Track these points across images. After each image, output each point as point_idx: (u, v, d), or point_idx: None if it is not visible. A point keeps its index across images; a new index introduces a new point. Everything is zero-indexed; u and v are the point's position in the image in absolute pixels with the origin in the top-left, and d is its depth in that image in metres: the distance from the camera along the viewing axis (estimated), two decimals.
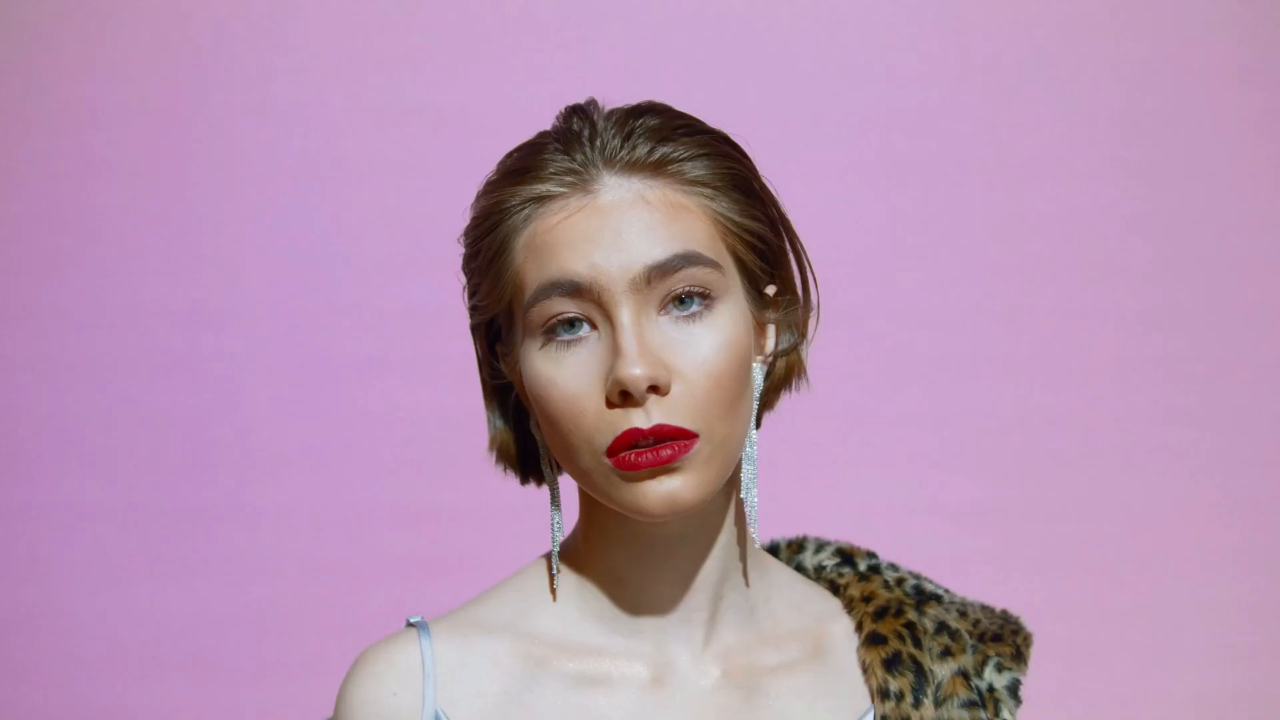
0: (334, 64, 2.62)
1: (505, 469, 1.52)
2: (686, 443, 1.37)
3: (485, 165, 1.49)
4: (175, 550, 2.60)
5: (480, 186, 1.47)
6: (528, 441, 1.51)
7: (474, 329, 1.49)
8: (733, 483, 1.46)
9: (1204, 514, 2.67)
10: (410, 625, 1.48)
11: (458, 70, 2.63)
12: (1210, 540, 2.67)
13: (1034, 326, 2.66)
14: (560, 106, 1.49)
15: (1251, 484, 2.68)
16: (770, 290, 1.47)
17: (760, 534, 1.49)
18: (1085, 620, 2.61)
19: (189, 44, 2.61)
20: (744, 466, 1.45)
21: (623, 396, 1.36)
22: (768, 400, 1.49)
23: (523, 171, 1.42)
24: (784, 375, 1.50)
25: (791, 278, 1.49)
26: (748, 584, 1.49)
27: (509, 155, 1.47)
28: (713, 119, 1.50)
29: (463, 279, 1.49)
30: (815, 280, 1.51)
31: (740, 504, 1.47)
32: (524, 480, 1.52)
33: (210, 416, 2.60)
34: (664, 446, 1.36)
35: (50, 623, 2.60)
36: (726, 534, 1.47)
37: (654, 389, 1.36)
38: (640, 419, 1.36)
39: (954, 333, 2.65)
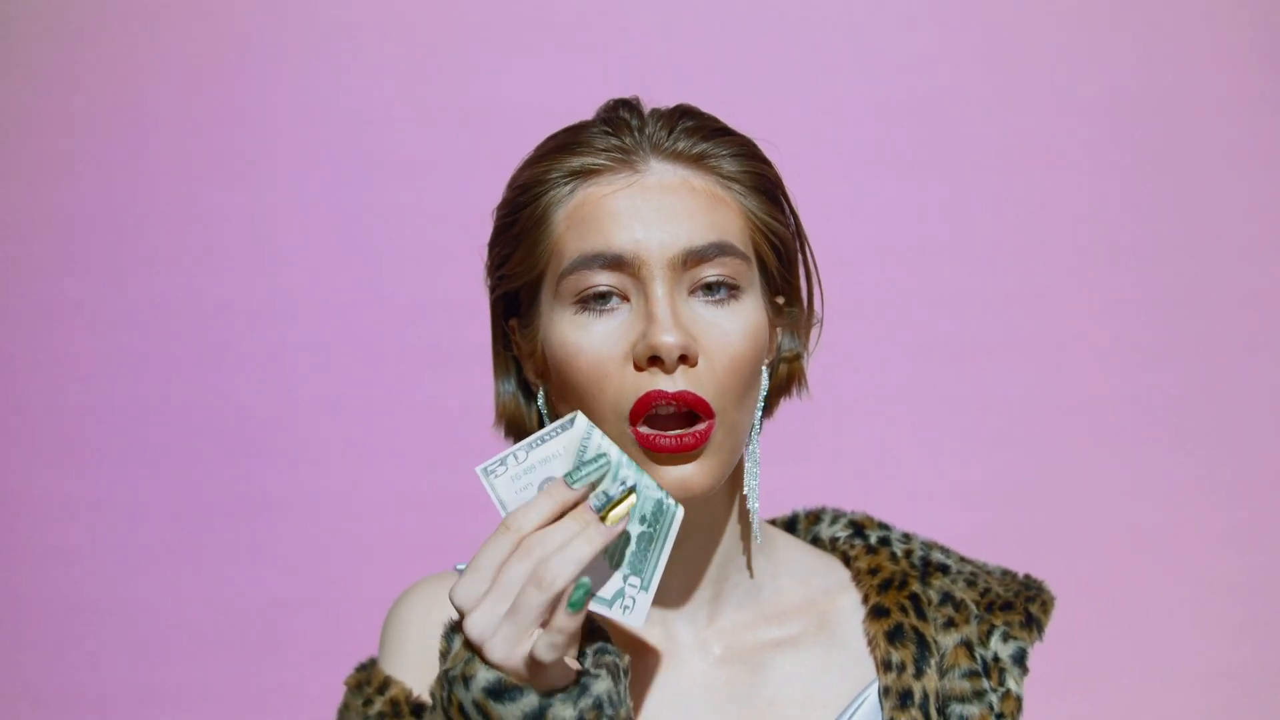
0: (383, 63, 2.63)
1: (512, 441, 1.56)
2: (705, 428, 1.40)
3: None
4: (221, 537, 2.64)
5: (519, 165, 1.51)
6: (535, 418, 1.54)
7: (494, 302, 1.54)
8: (735, 478, 1.50)
9: (1208, 494, 2.64)
10: (458, 570, 1.55)
11: (503, 68, 2.63)
12: (1214, 520, 2.64)
13: (1035, 311, 2.63)
14: (593, 102, 1.54)
15: (1256, 464, 2.64)
16: (780, 299, 1.51)
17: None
18: (1090, 600, 2.60)
19: (236, 44, 2.63)
20: (747, 465, 1.49)
21: (651, 362, 1.40)
22: (768, 405, 1.53)
23: (569, 146, 1.47)
24: (785, 381, 1.54)
25: (798, 288, 1.53)
26: (752, 574, 1.53)
27: (549, 138, 1.51)
28: (720, 111, 1.54)
29: (483, 254, 1.53)
30: (822, 294, 1.55)
31: (743, 499, 1.50)
32: None
33: (256, 408, 2.64)
34: (687, 435, 1.40)
35: (95, 610, 2.66)
36: (731, 527, 1.51)
37: (684, 359, 1.40)
38: (666, 383, 1.39)
39: (954, 318, 2.63)
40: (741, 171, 1.47)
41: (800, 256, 1.53)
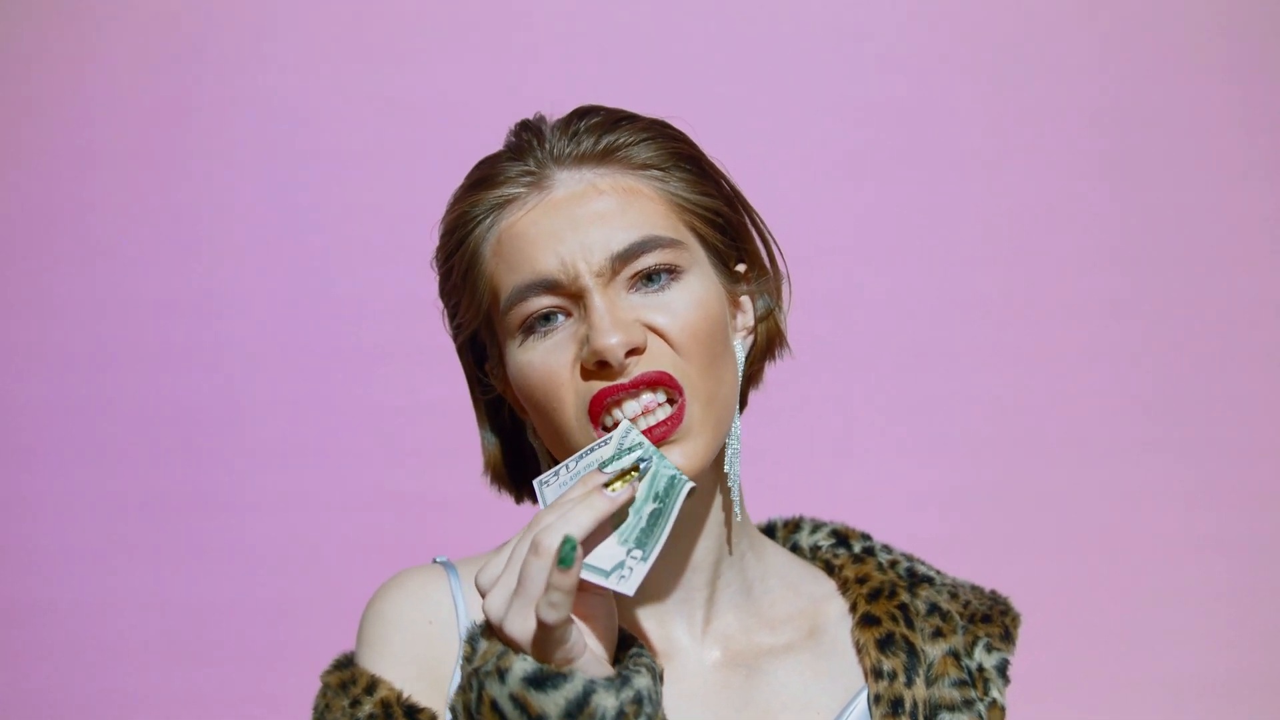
0: (333, 57, 2.62)
1: (500, 490, 1.57)
2: (678, 410, 1.41)
3: (480, 155, 1.53)
4: (175, 539, 2.61)
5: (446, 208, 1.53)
6: (524, 456, 1.56)
7: (460, 350, 1.55)
8: (719, 462, 1.51)
9: (1179, 501, 2.69)
10: (436, 563, 1.53)
11: (457, 62, 2.63)
12: (1185, 526, 2.70)
13: (1011, 316, 2.68)
14: (551, 96, 1.55)
15: (1227, 470, 2.70)
16: (740, 268, 1.52)
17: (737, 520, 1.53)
18: (1062, 605, 2.64)
19: (184, 37, 2.61)
20: (728, 443, 1.49)
21: (600, 366, 1.41)
22: (753, 374, 1.55)
23: (481, 182, 1.48)
24: (765, 345, 1.55)
25: (758, 251, 1.54)
26: (733, 555, 1.53)
27: (467, 175, 1.52)
28: (693, 113, 1.55)
29: (441, 306, 1.54)
30: (779, 249, 1.56)
31: (724, 478, 1.51)
32: (519, 498, 1.57)
33: (208, 406, 2.61)
34: (658, 425, 1.41)
35: (51, 612, 2.61)
36: (717, 513, 1.52)
37: (633, 352, 1.41)
38: (621, 380, 1.41)
39: (930, 322, 2.67)
40: (654, 155, 1.47)
41: (745, 218, 1.53)
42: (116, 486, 2.61)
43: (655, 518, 1.36)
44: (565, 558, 1.28)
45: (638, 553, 1.34)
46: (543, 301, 1.43)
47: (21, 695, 2.61)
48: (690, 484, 1.37)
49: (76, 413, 2.62)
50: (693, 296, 1.44)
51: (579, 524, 1.30)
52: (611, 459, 1.36)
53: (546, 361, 1.43)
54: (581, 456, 1.38)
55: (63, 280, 2.61)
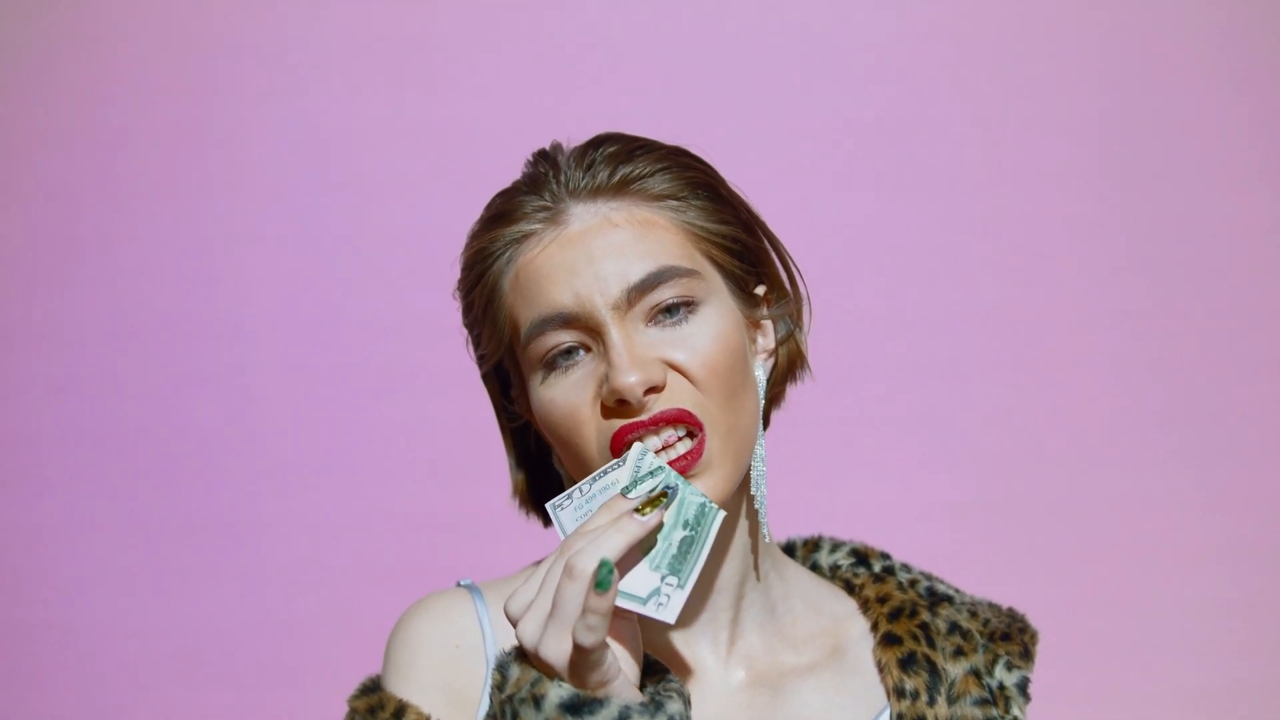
0: (349, 80, 2.63)
1: (528, 514, 1.59)
2: (698, 445, 1.42)
3: (495, 178, 1.55)
4: (187, 561, 2.61)
5: (466, 240, 1.54)
6: (550, 481, 1.57)
7: (485, 378, 1.56)
8: (744, 485, 1.51)
9: (1187, 511, 2.70)
10: (461, 586, 1.54)
11: (471, 85, 2.64)
12: (1194, 537, 2.70)
13: (1017, 328, 2.68)
14: (564, 119, 1.56)
15: (1234, 481, 2.71)
16: (760, 290, 1.52)
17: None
18: (1071, 618, 2.65)
19: (204, 62, 2.62)
20: (753, 465, 1.50)
21: (620, 404, 1.42)
22: (774, 395, 1.56)
23: (499, 217, 1.49)
24: (786, 367, 1.56)
25: (778, 274, 1.55)
26: (758, 577, 1.54)
27: (485, 208, 1.53)
28: (692, 126, 1.56)
29: (465, 334, 1.55)
30: (799, 272, 1.56)
31: (752, 502, 1.52)
32: (548, 523, 1.57)
33: (221, 428, 2.62)
34: (678, 459, 1.41)
35: (64, 633, 2.62)
36: (742, 536, 1.53)
37: (652, 390, 1.42)
38: (641, 416, 1.42)
39: (938, 335, 2.67)
40: (670, 186, 1.47)
41: (764, 242, 1.54)
42: (129, 508, 2.62)
43: (687, 545, 1.36)
44: (602, 581, 1.29)
45: (673, 579, 1.35)
46: (560, 336, 1.44)
47: (35, 717, 2.62)
48: (722, 513, 1.38)
49: (88, 435, 2.63)
50: (711, 329, 1.44)
51: (612, 547, 1.31)
52: (631, 484, 1.38)
53: (568, 398, 1.44)
54: (595, 479, 1.39)
55: (76, 305, 2.62)
